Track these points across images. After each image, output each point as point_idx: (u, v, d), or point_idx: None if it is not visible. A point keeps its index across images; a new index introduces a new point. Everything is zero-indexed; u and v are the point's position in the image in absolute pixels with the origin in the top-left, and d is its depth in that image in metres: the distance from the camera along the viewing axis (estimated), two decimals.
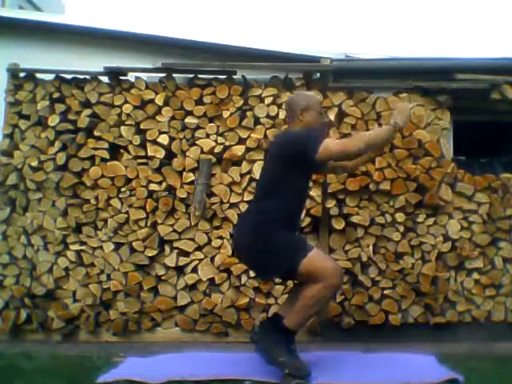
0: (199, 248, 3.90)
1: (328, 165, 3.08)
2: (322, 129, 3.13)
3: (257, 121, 3.97)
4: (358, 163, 3.25)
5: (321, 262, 2.67)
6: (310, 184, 3.47)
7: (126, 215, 3.93)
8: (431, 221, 3.89)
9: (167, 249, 3.92)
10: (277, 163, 2.79)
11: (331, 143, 2.77)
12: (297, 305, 2.67)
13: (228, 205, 3.90)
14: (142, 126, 3.99)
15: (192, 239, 3.90)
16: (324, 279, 2.58)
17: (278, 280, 3.63)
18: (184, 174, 3.94)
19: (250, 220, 2.82)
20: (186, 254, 3.90)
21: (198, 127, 3.98)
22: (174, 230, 3.91)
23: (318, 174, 3.63)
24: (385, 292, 3.82)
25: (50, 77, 4.13)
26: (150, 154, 3.96)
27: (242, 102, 3.98)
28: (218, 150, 3.93)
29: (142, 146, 3.98)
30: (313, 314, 2.77)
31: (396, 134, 2.94)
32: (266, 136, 3.93)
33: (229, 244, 3.83)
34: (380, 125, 3.96)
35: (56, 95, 4.08)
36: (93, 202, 3.95)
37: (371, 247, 3.85)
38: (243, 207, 3.82)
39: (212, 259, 3.87)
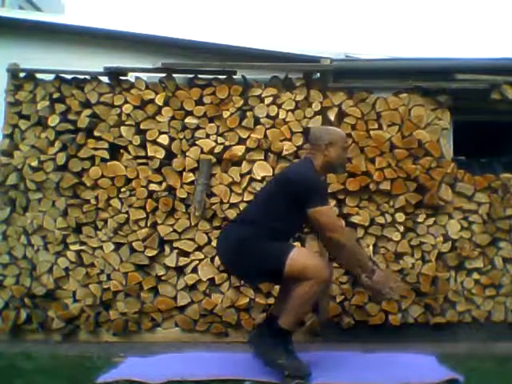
0: (199, 248, 3.90)
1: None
2: (343, 166, 3.21)
3: (257, 121, 3.97)
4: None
5: (305, 259, 2.66)
6: None
7: (126, 215, 3.93)
8: (431, 221, 3.89)
9: (167, 249, 3.92)
10: (279, 192, 2.81)
11: (328, 215, 2.79)
12: (289, 304, 2.65)
13: (228, 205, 3.90)
14: (142, 126, 3.99)
15: (192, 239, 3.90)
16: (312, 276, 2.58)
17: None
18: (184, 174, 3.94)
19: (238, 231, 2.83)
20: (186, 254, 3.90)
21: (198, 127, 3.98)
22: (174, 230, 3.91)
23: None
24: None
25: (50, 77, 4.13)
26: (150, 154, 3.96)
27: (241, 102, 3.98)
28: (218, 150, 3.93)
29: (142, 146, 3.98)
30: (306, 312, 2.77)
31: (360, 272, 2.86)
32: (265, 136, 3.93)
33: None
34: (380, 125, 3.97)
35: (56, 95, 4.08)
36: (93, 202, 3.95)
37: (371, 247, 3.85)
38: (243, 207, 3.81)
39: (212, 259, 3.87)
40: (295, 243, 3.74)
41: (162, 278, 3.90)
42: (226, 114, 3.96)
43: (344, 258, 2.88)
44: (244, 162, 3.93)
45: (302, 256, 2.69)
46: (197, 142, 3.96)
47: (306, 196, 2.72)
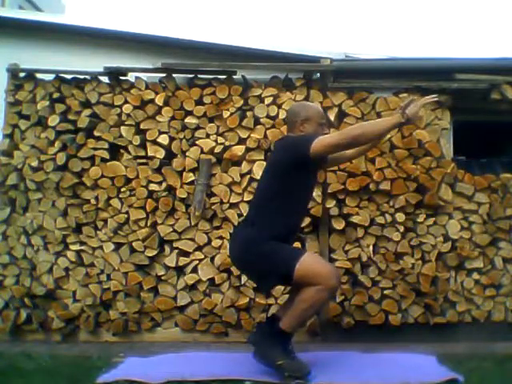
0: (199, 248, 3.90)
1: (328, 159, 3.02)
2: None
3: (257, 121, 3.97)
4: (359, 151, 3.12)
5: (315, 265, 2.64)
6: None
7: (125, 215, 3.93)
8: (431, 221, 3.89)
9: (167, 249, 3.92)
10: (275, 171, 2.78)
11: (325, 136, 2.74)
12: (293, 308, 2.65)
13: (228, 205, 3.90)
14: (142, 126, 3.99)
15: (192, 239, 3.90)
16: (320, 282, 2.56)
17: None
18: (184, 174, 3.94)
19: (244, 233, 2.82)
20: (186, 254, 3.90)
21: (198, 127, 3.98)
22: (174, 230, 3.91)
23: (320, 169, 3.59)
24: (385, 292, 3.82)
25: (50, 77, 4.13)
26: (150, 153, 3.96)
27: (241, 102, 3.98)
28: (218, 150, 3.94)
29: (142, 146, 3.98)
30: (309, 317, 2.75)
31: (401, 122, 2.71)
32: (265, 136, 3.93)
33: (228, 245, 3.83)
34: None
35: (56, 95, 4.08)
36: (93, 202, 3.95)
37: (371, 247, 3.85)
38: (243, 207, 3.82)
39: (212, 259, 3.87)
40: (296, 243, 3.75)
41: (162, 277, 3.90)
42: (226, 114, 3.96)
43: (379, 134, 2.77)
44: (244, 162, 3.93)
45: (312, 261, 2.66)
46: (197, 142, 3.96)
47: (300, 149, 2.66)
